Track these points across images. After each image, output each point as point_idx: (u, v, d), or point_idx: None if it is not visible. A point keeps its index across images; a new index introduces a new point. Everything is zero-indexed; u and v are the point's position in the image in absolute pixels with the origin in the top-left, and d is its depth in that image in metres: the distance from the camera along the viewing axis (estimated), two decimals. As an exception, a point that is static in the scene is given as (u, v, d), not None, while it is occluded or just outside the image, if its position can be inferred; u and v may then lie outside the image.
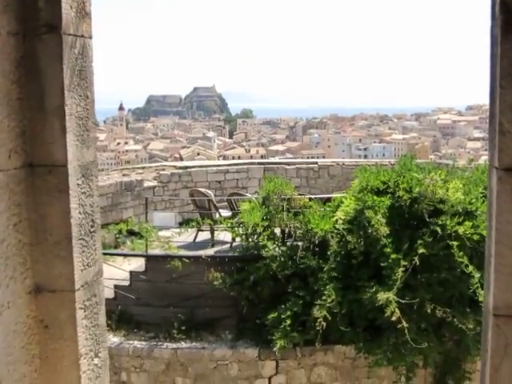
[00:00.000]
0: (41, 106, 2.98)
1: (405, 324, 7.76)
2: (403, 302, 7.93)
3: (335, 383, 9.31)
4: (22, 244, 2.92)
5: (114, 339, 9.39)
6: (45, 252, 2.99)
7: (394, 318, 7.76)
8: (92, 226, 3.15)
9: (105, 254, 10.64)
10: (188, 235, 11.50)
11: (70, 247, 2.97)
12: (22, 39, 2.89)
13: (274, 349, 8.62)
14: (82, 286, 3.02)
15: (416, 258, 8.01)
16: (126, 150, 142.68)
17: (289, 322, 8.54)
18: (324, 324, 8.14)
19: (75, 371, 2.97)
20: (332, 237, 8.82)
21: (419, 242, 8.16)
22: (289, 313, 8.60)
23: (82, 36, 3.09)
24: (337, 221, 8.85)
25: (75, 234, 2.99)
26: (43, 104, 2.97)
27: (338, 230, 8.76)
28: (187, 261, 9.56)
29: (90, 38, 3.18)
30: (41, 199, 2.99)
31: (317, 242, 8.99)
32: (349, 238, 8.59)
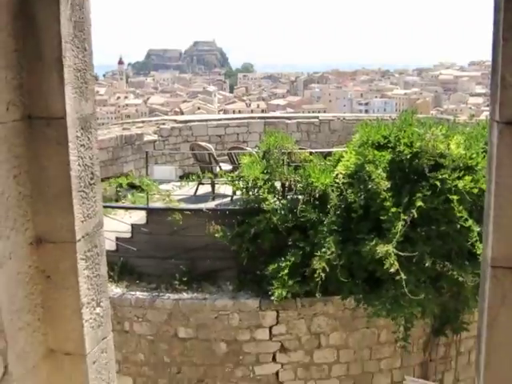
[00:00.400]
0: (38, 58, 2.94)
1: (403, 276, 7.84)
2: (402, 254, 7.99)
3: (335, 333, 9.46)
4: (22, 196, 2.92)
5: (116, 290, 9.50)
6: (45, 204, 3.00)
7: (392, 270, 7.83)
8: (91, 179, 3.14)
9: (106, 207, 10.68)
10: (189, 189, 11.52)
11: (70, 199, 2.97)
12: (18, -11, 2.83)
13: (272, 298, 8.73)
14: (82, 236, 3.03)
15: (414, 211, 8.05)
16: (126, 105, 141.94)
17: (286, 271, 8.63)
18: (323, 275, 8.22)
19: (78, 320, 3.00)
20: (332, 191, 8.84)
21: (418, 195, 8.18)
22: (287, 263, 8.69)
23: (80, -15, 3.03)
24: (337, 175, 8.86)
25: (75, 186, 2.98)
26: (41, 56, 2.93)
27: (338, 184, 8.78)
28: (188, 213, 9.60)
29: (88, -12, 3.13)
30: (40, 151, 2.98)
31: (317, 195, 9.01)
32: (349, 192, 8.62)
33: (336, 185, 8.83)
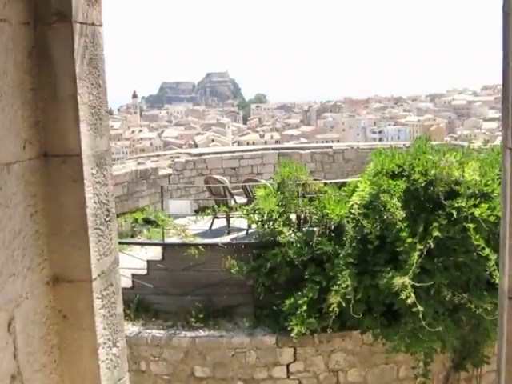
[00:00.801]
0: (53, 96, 2.98)
1: (420, 308, 7.73)
2: (419, 285, 7.90)
3: (353, 369, 9.31)
4: (39, 234, 2.93)
5: (132, 328, 9.45)
6: (61, 242, 3.01)
7: (409, 302, 7.73)
8: (107, 216, 3.16)
9: (121, 243, 10.68)
10: (204, 223, 11.52)
11: (86, 237, 2.99)
12: (33, 28, 2.89)
13: (292, 335, 8.63)
14: (98, 275, 3.04)
15: (431, 241, 7.97)
16: (141, 138, 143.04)
17: (305, 307, 8.54)
18: (337, 310, 8.13)
19: (94, 361, 2.99)
20: (348, 222, 8.80)
21: (434, 224, 8.11)
22: (305, 299, 8.60)
23: (93, 24, 3.08)
24: (352, 205, 8.82)
25: (91, 223, 3.00)
26: (56, 93, 2.97)
27: (354, 214, 8.73)
28: (203, 249, 9.58)
29: (101, 25, 3.17)
30: (56, 189, 3.01)
31: (332, 227, 8.97)
32: (364, 222, 8.56)
33: (351, 216, 8.79)
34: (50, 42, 2.91)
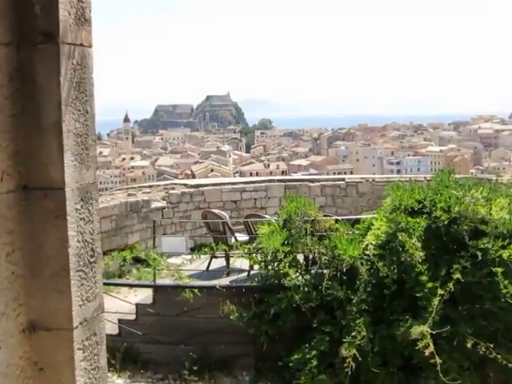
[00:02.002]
0: (36, 123, 2.99)
1: (438, 360, 7.65)
2: (439, 333, 7.83)
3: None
4: (15, 276, 2.92)
5: (118, 381, 9.36)
6: (40, 285, 3.00)
7: (427, 353, 7.66)
8: (92, 256, 3.15)
9: (108, 284, 10.67)
10: (200, 262, 11.49)
11: (68, 280, 2.97)
12: (16, 49, 2.91)
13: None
14: (80, 323, 3.02)
15: (454, 286, 7.93)
16: (132, 167, 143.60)
17: (315, 362, 8.45)
18: (353, 365, 8.04)
19: (73, 420, 2.96)
20: (362, 264, 8.77)
21: (457, 267, 8.07)
22: (315, 352, 8.52)
23: (81, 45, 3.11)
24: (367, 245, 8.81)
25: (73, 264, 2.99)
26: (38, 120, 2.99)
27: (369, 256, 8.71)
28: (199, 292, 9.55)
29: (90, 46, 3.20)
30: (35, 226, 3.00)
31: (345, 269, 8.94)
32: (380, 265, 8.54)
33: (366, 257, 8.77)
34: (34, 64, 2.93)
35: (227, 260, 11.59)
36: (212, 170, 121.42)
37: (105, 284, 11.73)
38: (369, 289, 8.63)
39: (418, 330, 7.84)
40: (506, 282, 8.07)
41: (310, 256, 9.59)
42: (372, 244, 8.79)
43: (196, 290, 9.59)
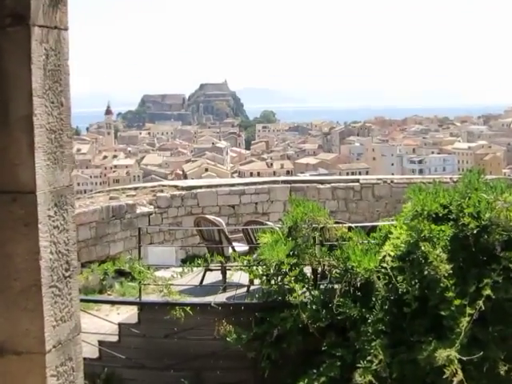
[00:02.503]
0: (3, 117, 2.99)
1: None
2: (468, 359, 7.83)
3: None
4: (-21, 294, 2.93)
5: (98, 411, 9.37)
6: (8, 303, 3.00)
7: (456, 381, 7.65)
8: (67, 270, 3.16)
9: (86, 301, 10.66)
10: (193, 276, 11.48)
11: (40, 297, 2.98)
12: (-20, 33, 2.92)
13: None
14: (54, 346, 3.03)
15: (483, 304, 7.92)
16: (115, 166, 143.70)
17: (325, 392, 8.45)
18: (369, 393, 8.05)
19: None
20: (378, 278, 8.77)
21: (486, 281, 8.07)
22: (324, 379, 8.51)
23: (56, 27, 3.11)
24: (384, 257, 8.80)
25: (45, 280, 2.99)
26: (6, 114, 2.99)
27: (386, 268, 8.71)
28: (192, 310, 9.55)
29: (66, 29, 3.20)
30: (3, 235, 3.01)
31: (359, 284, 8.94)
32: (399, 279, 8.53)
33: (383, 270, 8.76)
34: (1, 49, 2.93)
35: (224, 273, 11.57)
36: (206, 170, 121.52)
37: (82, 301, 11.72)
38: (386, 306, 8.62)
39: (443, 354, 7.83)
40: (545, 299, 8.07)
41: (319, 269, 9.57)
42: (390, 255, 8.78)
43: (187, 308, 9.57)
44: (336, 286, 9.14)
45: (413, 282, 8.50)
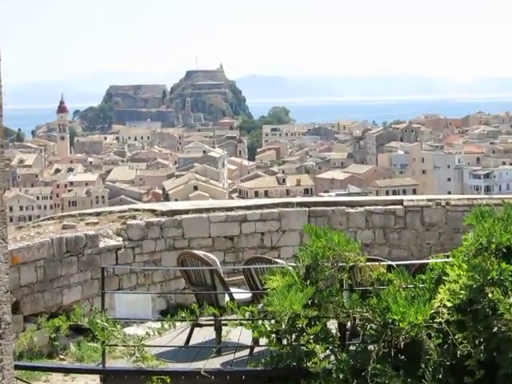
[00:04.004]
0: None
1: None
2: None
3: None
4: None
5: None
6: None
7: None
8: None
9: (31, 368, 10.63)
10: (176, 334, 11.47)
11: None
12: None
13: None
14: None
15: None
16: (71, 183, 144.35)
17: None
18: None
19: None
20: (429, 336, 8.74)
21: None
22: None
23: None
24: (437, 308, 8.78)
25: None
26: None
27: (440, 323, 8.69)
28: (173, 382, 9.51)
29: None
30: None
31: (402, 344, 8.90)
32: (459, 337, 8.51)
33: (436, 326, 8.74)
34: None
35: (218, 330, 11.56)
36: (195, 188, 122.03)
37: (24, 369, 11.68)
38: (440, 375, 8.60)
39: None
40: None
41: (348, 324, 9.55)
42: (446, 305, 8.76)
43: (168, 379, 9.54)
44: (371, 348, 9.12)
45: (477, 342, 8.49)
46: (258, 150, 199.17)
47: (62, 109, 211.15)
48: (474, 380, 8.46)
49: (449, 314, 8.76)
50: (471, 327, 8.61)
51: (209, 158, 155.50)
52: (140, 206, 20.93)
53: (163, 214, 17.26)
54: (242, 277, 12.63)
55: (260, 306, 10.22)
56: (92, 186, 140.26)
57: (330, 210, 17.86)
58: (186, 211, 17.62)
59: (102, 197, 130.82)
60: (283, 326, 9.48)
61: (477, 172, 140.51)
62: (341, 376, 9.09)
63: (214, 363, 10.47)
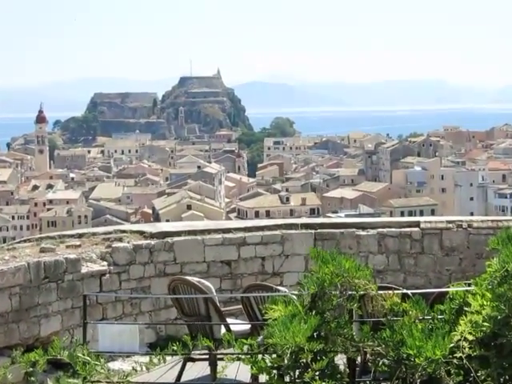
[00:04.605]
0: None
1: None
2: None
3: None
4: None
5: None
6: None
7: None
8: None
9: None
10: (166, 369, 11.46)
11: None
12: None
13: None
14: None
15: None
16: (50, 201, 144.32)
17: None
18: None
19: None
20: (448, 373, 8.74)
21: None
22: None
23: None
24: (458, 342, 8.79)
25: None
26: None
27: (461, 359, 8.69)
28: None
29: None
30: None
31: (418, 382, 8.91)
32: (482, 374, 8.51)
33: (456, 362, 8.74)
34: None
35: (213, 365, 11.56)
36: (189, 208, 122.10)
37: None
38: (461, 418, 8.60)
39: None
40: None
41: (358, 359, 9.55)
42: (467, 339, 8.76)
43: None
44: (384, 386, 9.13)
45: (502, 380, 8.50)
46: (259, 165, 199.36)
47: (40, 119, 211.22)
48: (498, 423, 8.47)
49: (470, 348, 8.75)
50: (495, 363, 8.60)
51: (204, 174, 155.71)
52: (127, 227, 20.95)
53: (153, 236, 17.27)
54: (240, 306, 12.64)
55: (260, 338, 10.20)
56: (74, 204, 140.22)
57: (338, 232, 17.86)
58: (179, 233, 17.61)
59: (85, 216, 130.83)
60: (285, 361, 9.46)
61: (502, 191, 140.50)
62: (350, 418, 9.12)
63: (209, 403, 10.48)
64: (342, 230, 17.98)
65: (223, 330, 11.83)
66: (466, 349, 8.76)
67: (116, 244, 16.68)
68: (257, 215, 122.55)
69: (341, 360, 9.64)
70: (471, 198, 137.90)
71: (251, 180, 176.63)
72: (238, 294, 13.79)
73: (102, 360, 10.73)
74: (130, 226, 22.60)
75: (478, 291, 9.21)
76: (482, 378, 8.56)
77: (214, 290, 12.85)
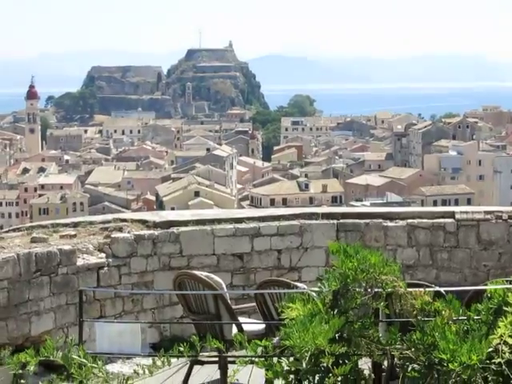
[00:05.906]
0: None
1: None
2: None
3: None
4: None
5: None
6: None
7: None
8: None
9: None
10: (171, 373, 11.50)
11: None
12: None
13: None
14: None
15: None
16: (42, 186, 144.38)
17: None
18: None
19: None
20: (486, 380, 8.75)
21: None
22: None
23: None
24: (497, 345, 8.79)
25: None
26: None
27: (500, 364, 8.69)
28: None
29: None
30: None
31: (452, 390, 8.93)
32: (523, 382, 8.51)
33: (494, 367, 8.74)
34: None
35: (223, 369, 11.59)
36: (197, 194, 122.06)
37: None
38: (501, 431, 8.61)
39: None
40: None
41: (385, 363, 9.57)
42: (507, 343, 8.77)
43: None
44: (414, 394, 9.14)
45: (546, 389, 8.49)
46: (275, 148, 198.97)
47: (31, 94, 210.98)
48: None
49: (510, 352, 8.77)
50: (539, 370, 8.61)
51: (214, 158, 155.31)
52: (128, 215, 20.92)
53: (156, 225, 17.27)
54: (254, 304, 12.66)
55: (275, 339, 10.20)
56: (68, 189, 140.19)
57: (363, 223, 17.85)
58: (185, 222, 17.62)
59: (81, 203, 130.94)
60: (304, 365, 9.47)
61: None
62: (376, 429, 9.14)
63: (219, 411, 10.52)
64: (367, 221, 17.95)
65: (235, 329, 11.85)
66: (506, 353, 8.76)
67: (115, 234, 16.69)
68: (272, 203, 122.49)
69: (365, 364, 9.64)
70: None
71: (266, 164, 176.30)
72: (252, 290, 13.82)
73: (99, 362, 10.77)
74: (131, 214, 22.62)
75: (520, 289, 9.22)
76: (524, 385, 8.58)
77: (224, 286, 12.86)
